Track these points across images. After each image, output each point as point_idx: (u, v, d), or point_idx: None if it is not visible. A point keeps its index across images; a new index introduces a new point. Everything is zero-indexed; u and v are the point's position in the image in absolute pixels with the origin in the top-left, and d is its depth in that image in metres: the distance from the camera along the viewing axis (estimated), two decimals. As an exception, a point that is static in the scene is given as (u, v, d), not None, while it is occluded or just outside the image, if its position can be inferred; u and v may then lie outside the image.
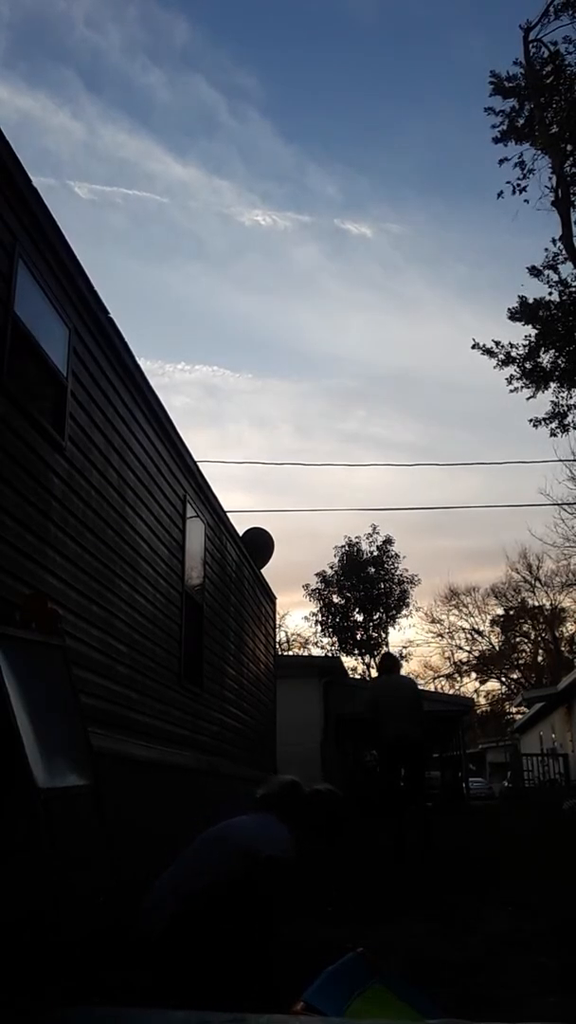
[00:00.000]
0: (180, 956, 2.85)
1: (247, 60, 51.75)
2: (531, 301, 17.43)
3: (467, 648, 48.14)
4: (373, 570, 22.68)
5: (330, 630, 22.76)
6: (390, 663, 9.00)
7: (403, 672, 10.32)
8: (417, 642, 42.94)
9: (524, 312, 17.46)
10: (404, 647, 33.65)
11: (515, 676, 48.08)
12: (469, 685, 48.30)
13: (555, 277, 17.54)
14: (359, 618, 22.73)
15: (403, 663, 30.54)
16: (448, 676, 47.83)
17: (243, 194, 56.35)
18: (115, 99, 50.47)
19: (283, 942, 3.21)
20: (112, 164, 51.82)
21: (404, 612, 22.98)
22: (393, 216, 56.32)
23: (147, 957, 2.97)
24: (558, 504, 26.51)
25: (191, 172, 54.52)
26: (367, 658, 23.03)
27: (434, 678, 47.34)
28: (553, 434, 17.81)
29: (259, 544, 14.14)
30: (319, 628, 23.17)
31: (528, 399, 17.81)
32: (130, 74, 48.38)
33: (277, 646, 18.94)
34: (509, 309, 17.67)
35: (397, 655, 9.82)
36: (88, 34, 44.52)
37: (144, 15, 46.34)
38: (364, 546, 22.97)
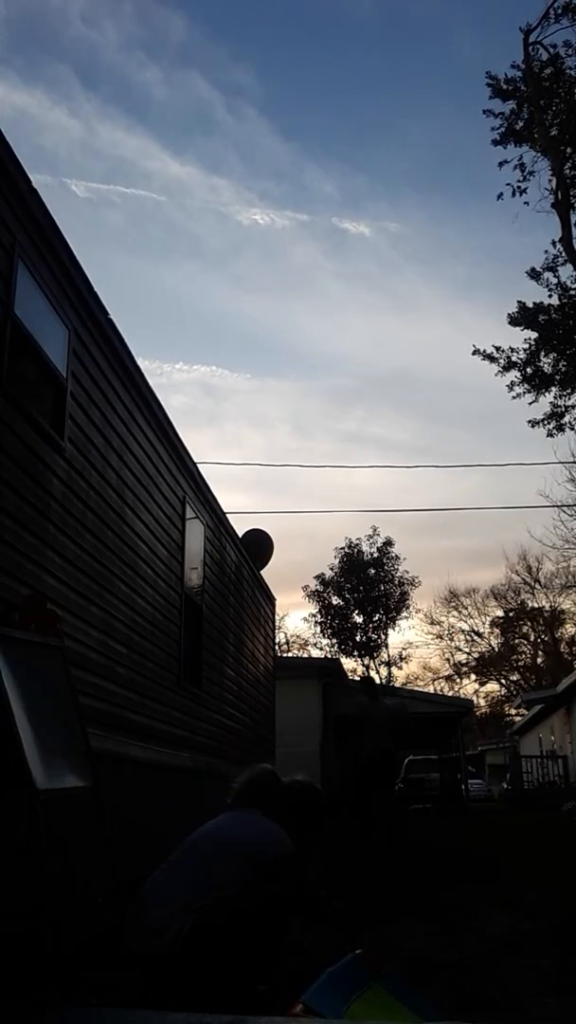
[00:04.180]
0: (197, 970, 2.77)
1: (244, 57, 51.90)
2: (530, 305, 17.42)
3: (466, 650, 48.17)
4: (373, 571, 22.66)
5: (329, 631, 22.75)
6: (373, 689, 10.56)
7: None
8: (416, 643, 43.03)
9: (523, 317, 17.46)
10: (403, 648, 33.68)
11: (514, 678, 48.08)
12: (468, 687, 48.35)
13: (554, 280, 17.55)
14: (359, 620, 22.71)
15: (402, 664, 30.77)
16: (447, 678, 47.88)
17: (241, 192, 56.49)
18: (112, 96, 50.56)
19: (286, 942, 3.21)
20: (109, 162, 51.95)
21: (404, 614, 22.96)
22: (392, 215, 56.51)
23: (158, 974, 2.84)
24: (558, 506, 26.56)
25: (188, 170, 54.64)
26: (367, 660, 23.02)
27: (433, 680, 47.40)
28: (550, 434, 17.82)
29: (258, 545, 14.13)
30: (318, 629, 23.17)
31: (530, 404, 17.83)
32: (127, 71, 48.52)
33: (276, 647, 18.92)
34: (509, 314, 17.67)
35: (376, 680, 11.41)
36: (84, 30, 44.63)
37: (140, 11, 46.46)
38: (365, 548, 22.95)
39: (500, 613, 47.13)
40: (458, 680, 47.94)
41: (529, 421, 17.88)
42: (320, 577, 22.84)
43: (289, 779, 3.55)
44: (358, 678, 23.34)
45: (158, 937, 2.86)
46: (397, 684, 27.67)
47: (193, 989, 2.74)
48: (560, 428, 17.74)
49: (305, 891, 3.11)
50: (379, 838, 8.88)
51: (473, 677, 48.57)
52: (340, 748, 21.48)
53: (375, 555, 22.91)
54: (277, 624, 19.47)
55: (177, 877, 3.06)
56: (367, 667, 22.99)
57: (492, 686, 49.56)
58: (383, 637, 22.93)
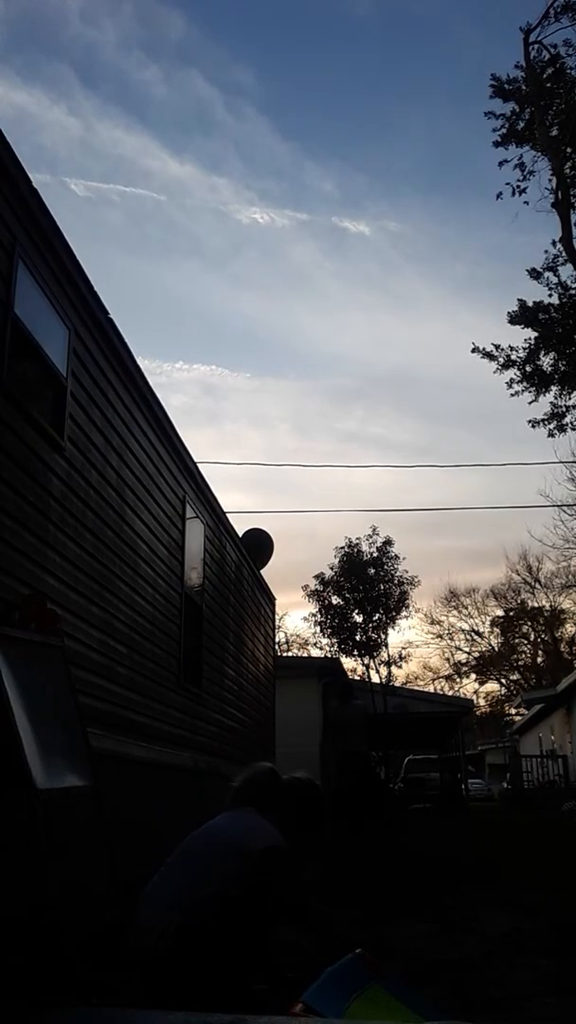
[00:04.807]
0: (187, 969, 2.77)
1: (244, 56, 51.82)
2: (531, 304, 17.41)
3: (467, 649, 48.19)
4: (373, 571, 22.62)
5: (329, 631, 22.69)
6: (346, 692, 11.32)
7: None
8: (417, 643, 42.96)
9: (524, 316, 17.45)
10: (403, 648, 33.64)
11: (514, 677, 48.09)
12: (468, 686, 48.37)
13: (555, 279, 17.52)
14: (358, 619, 22.66)
15: (402, 664, 30.90)
16: (447, 677, 47.90)
17: (240, 191, 56.45)
18: (111, 95, 50.51)
19: (284, 941, 3.21)
20: (108, 161, 51.92)
21: (404, 613, 22.89)
22: (391, 214, 56.50)
23: (149, 974, 2.86)
24: (558, 505, 26.59)
25: (188, 169, 54.60)
26: (367, 659, 22.96)
27: (433, 679, 47.40)
28: (551, 435, 17.79)
29: (258, 545, 14.13)
30: (318, 629, 23.10)
31: (530, 403, 17.82)
32: (126, 70, 48.45)
33: (276, 647, 18.88)
34: (509, 313, 17.64)
35: (350, 684, 11.91)
36: (83, 29, 44.55)
37: (139, 10, 46.40)
38: (364, 547, 22.90)
39: (500, 613, 47.19)
40: (458, 680, 48.00)
41: (530, 421, 17.87)
42: (320, 577, 22.77)
43: (288, 777, 3.54)
44: (357, 678, 23.36)
45: (148, 936, 2.88)
46: (397, 684, 27.66)
47: (184, 986, 2.74)
48: (561, 428, 17.72)
49: (296, 889, 3.10)
50: (377, 838, 9.01)
51: (473, 677, 48.64)
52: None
53: (375, 555, 22.84)
54: (277, 624, 19.46)
55: (169, 877, 3.10)
56: (367, 667, 22.95)
57: (492, 686, 49.63)
58: (383, 637, 22.85)
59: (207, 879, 2.95)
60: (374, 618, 22.32)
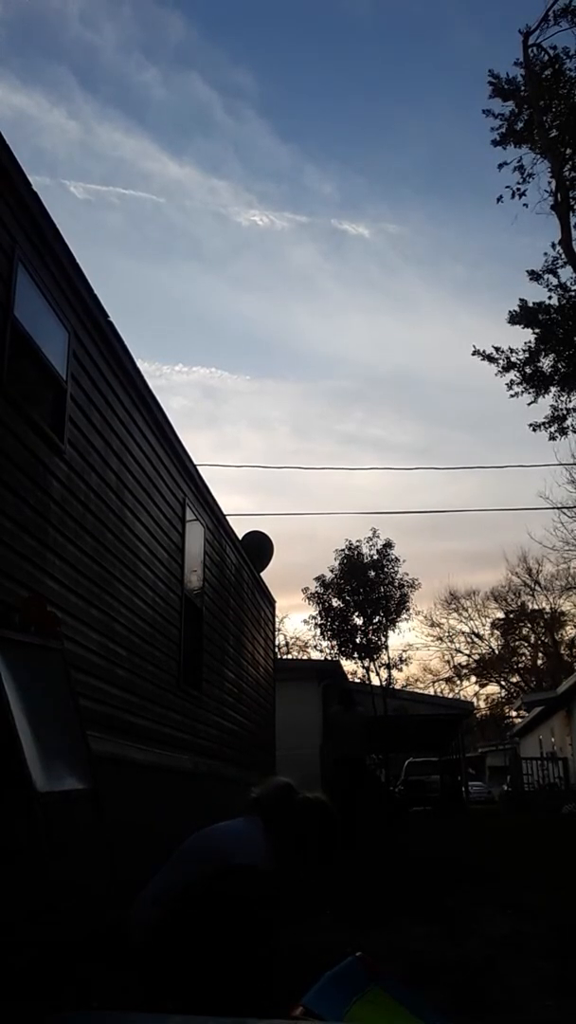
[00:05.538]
0: (166, 963, 2.81)
1: (243, 58, 51.78)
2: (531, 305, 17.43)
3: (467, 652, 48.14)
4: (373, 574, 22.63)
5: (329, 633, 22.69)
6: (347, 699, 11.26)
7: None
8: (417, 645, 42.95)
9: (524, 316, 17.46)
10: (404, 651, 33.64)
11: (515, 680, 48.06)
12: (469, 689, 48.33)
13: (554, 281, 17.54)
14: (359, 622, 22.66)
15: (402, 666, 30.95)
16: (448, 680, 47.86)
17: (240, 194, 56.44)
18: (110, 97, 50.51)
19: (281, 945, 3.20)
20: (108, 163, 51.94)
21: (404, 616, 22.91)
22: (391, 216, 56.47)
23: (134, 965, 2.92)
24: (558, 508, 26.59)
25: (187, 171, 54.56)
26: (367, 662, 22.96)
27: (434, 681, 47.38)
28: (552, 437, 17.80)
29: (258, 547, 14.13)
30: (318, 632, 23.11)
31: (529, 404, 17.82)
32: (125, 72, 48.44)
33: (276, 649, 18.88)
34: (509, 312, 17.65)
35: (351, 691, 12.40)
36: (83, 31, 44.55)
37: (139, 12, 46.38)
38: (364, 549, 22.91)
39: (500, 615, 47.14)
40: (458, 682, 47.95)
41: (530, 424, 17.89)
42: (320, 579, 22.78)
43: (302, 796, 3.51)
44: (357, 681, 23.36)
45: (133, 930, 2.95)
46: (397, 686, 27.64)
47: (176, 984, 2.76)
48: (562, 431, 17.72)
49: (247, 922, 3.04)
50: (364, 844, 9.02)
51: (473, 679, 48.59)
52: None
53: (375, 557, 22.86)
54: (277, 626, 19.45)
55: (158, 876, 3.12)
56: (367, 669, 22.96)
57: (492, 688, 49.59)
58: (383, 639, 22.87)
59: (185, 876, 2.98)
60: (374, 620, 22.33)
